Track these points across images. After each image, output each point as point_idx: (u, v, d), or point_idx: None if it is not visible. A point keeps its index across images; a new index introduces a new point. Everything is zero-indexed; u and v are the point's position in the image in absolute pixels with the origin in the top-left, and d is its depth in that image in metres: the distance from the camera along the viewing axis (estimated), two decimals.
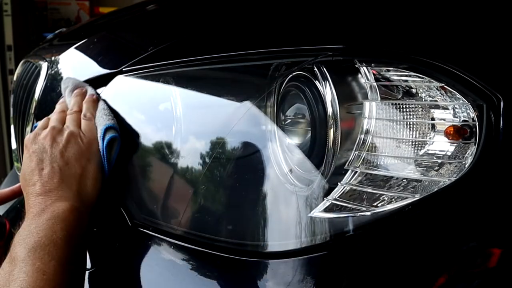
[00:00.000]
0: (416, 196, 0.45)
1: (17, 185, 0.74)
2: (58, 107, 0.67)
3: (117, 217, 0.60)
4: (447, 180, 0.44)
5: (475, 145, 0.44)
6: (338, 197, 0.47)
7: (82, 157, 0.57)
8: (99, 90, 0.67)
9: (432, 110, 0.46)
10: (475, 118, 0.44)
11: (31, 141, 0.59)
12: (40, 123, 0.64)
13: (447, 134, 0.45)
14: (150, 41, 0.70)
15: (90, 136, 0.59)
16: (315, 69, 0.48)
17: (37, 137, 0.59)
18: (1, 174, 2.33)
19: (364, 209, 0.46)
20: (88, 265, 0.57)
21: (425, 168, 0.46)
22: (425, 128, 0.46)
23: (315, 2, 0.62)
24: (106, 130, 0.59)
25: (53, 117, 0.64)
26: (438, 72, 0.45)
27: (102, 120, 0.61)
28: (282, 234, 0.50)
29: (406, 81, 0.47)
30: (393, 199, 0.46)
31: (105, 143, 0.58)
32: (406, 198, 0.45)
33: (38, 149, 0.57)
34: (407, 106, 0.46)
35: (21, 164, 0.84)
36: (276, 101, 0.51)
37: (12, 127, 0.98)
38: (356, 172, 0.47)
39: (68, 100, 0.67)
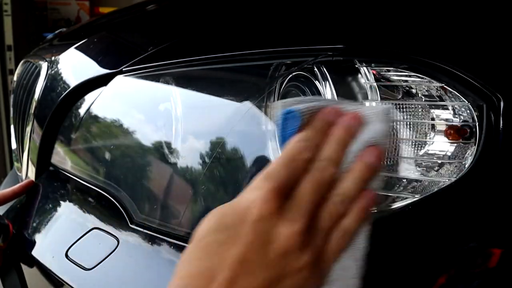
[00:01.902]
0: (416, 196, 0.45)
1: (18, 185, 0.74)
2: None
3: (117, 217, 0.60)
4: (447, 180, 0.44)
5: (475, 145, 0.44)
6: None
7: None
8: (98, 90, 0.67)
9: (432, 110, 0.46)
10: (475, 118, 0.44)
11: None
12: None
13: (447, 134, 0.45)
14: (150, 41, 0.70)
15: None
16: (315, 69, 0.48)
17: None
18: (1, 174, 2.33)
19: None
20: (88, 265, 0.57)
21: (425, 168, 0.46)
22: (425, 128, 0.46)
23: (315, 2, 0.62)
24: None
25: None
26: (438, 72, 0.45)
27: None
28: None
29: (406, 81, 0.47)
30: (393, 199, 0.46)
31: None
32: (406, 198, 0.45)
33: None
34: (407, 106, 0.46)
35: (21, 164, 0.84)
36: (276, 101, 0.51)
37: (12, 127, 0.98)
38: None
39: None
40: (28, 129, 0.81)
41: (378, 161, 0.37)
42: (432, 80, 0.45)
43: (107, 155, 0.64)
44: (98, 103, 0.67)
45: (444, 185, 0.44)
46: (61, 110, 0.73)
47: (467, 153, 0.44)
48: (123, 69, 0.63)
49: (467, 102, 0.44)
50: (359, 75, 0.48)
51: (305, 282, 0.34)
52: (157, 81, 0.60)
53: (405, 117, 0.46)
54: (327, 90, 0.47)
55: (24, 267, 0.67)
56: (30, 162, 0.79)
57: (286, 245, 0.34)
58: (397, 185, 0.47)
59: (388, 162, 0.46)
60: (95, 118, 0.67)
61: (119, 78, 0.64)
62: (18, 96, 0.91)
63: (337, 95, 0.47)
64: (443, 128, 0.46)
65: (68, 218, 0.66)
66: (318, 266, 0.35)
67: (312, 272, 0.35)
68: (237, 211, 0.35)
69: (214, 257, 0.34)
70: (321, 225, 0.36)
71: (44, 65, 0.83)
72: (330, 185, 0.36)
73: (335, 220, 0.36)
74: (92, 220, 0.62)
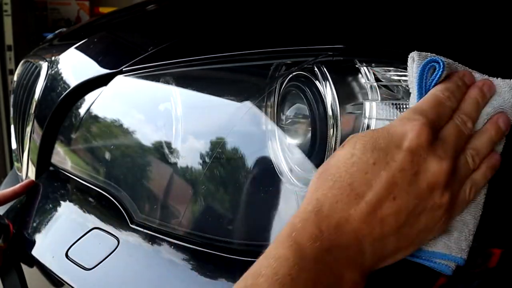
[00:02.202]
0: None
1: (18, 185, 0.74)
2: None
3: (117, 217, 0.60)
4: None
5: None
6: None
7: None
8: (99, 90, 0.67)
9: None
10: None
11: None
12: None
13: None
14: (150, 41, 0.70)
15: None
16: (316, 69, 0.48)
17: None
18: (1, 174, 2.33)
19: None
20: (88, 265, 0.57)
21: None
22: None
23: (315, 2, 0.62)
24: None
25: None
26: None
27: None
28: None
29: (406, 81, 0.47)
30: None
31: None
32: None
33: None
34: (407, 106, 0.46)
35: (21, 164, 0.84)
36: (276, 101, 0.51)
37: (12, 127, 0.98)
38: None
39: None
40: (28, 129, 0.81)
41: (507, 126, 0.40)
42: None
43: (107, 155, 0.64)
44: (98, 103, 0.67)
45: None
46: (61, 110, 0.73)
47: None
48: (123, 69, 0.63)
49: None
50: (360, 75, 0.48)
51: (438, 221, 0.37)
52: (157, 81, 0.60)
53: None
54: (328, 90, 0.47)
55: (24, 267, 0.67)
56: (30, 162, 0.79)
57: (435, 181, 0.35)
58: None
59: None
60: (95, 118, 0.67)
61: (119, 78, 0.64)
62: (18, 96, 0.91)
63: (338, 95, 0.47)
64: None
65: (68, 218, 0.66)
66: (450, 210, 0.37)
67: (446, 214, 0.37)
68: (392, 137, 0.36)
69: (363, 176, 0.35)
70: (459, 172, 0.38)
71: (44, 65, 0.83)
72: (467, 139, 0.39)
73: (469, 172, 0.39)
74: (92, 220, 0.62)
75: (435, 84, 0.40)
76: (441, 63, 0.39)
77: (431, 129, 0.36)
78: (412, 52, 0.42)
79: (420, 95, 0.40)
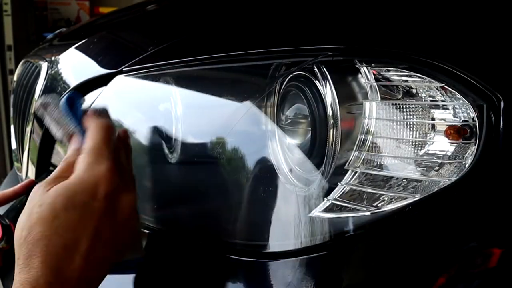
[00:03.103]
0: (416, 196, 0.45)
1: (19, 185, 0.74)
2: None
3: None
4: (447, 180, 0.44)
5: (475, 145, 0.44)
6: (338, 197, 0.47)
7: None
8: (99, 90, 0.67)
9: (432, 110, 0.46)
10: (475, 118, 0.44)
11: None
12: None
13: (447, 134, 0.45)
14: (150, 41, 0.70)
15: None
16: (315, 69, 0.48)
17: None
18: (1, 174, 2.33)
19: (364, 209, 0.46)
20: None
21: (425, 168, 0.46)
22: (425, 128, 0.46)
23: (315, 2, 0.62)
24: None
25: None
26: (438, 72, 0.45)
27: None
28: (282, 234, 0.50)
29: (406, 81, 0.47)
30: (393, 199, 0.46)
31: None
32: (406, 198, 0.45)
33: None
34: (407, 106, 0.46)
35: (21, 164, 0.84)
36: (276, 101, 0.51)
37: (12, 127, 0.98)
38: (356, 172, 0.47)
39: None
40: (28, 129, 0.81)
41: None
42: (432, 80, 0.45)
43: None
44: (98, 103, 0.67)
45: (444, 185, 0.44)
46: None
47: (467, 153, 0.44)
48: (123, 69, 0.63)
49: (467, 102, 0.44)
50: (359, 75, 0.48)
51: None
52: (157, 81, 0.60)
53: (405, 117, 0.46)
54: (327, 90, 0.47)
55: None
56: (30, 162, 0.79)
57: None
58: (397, 185, 0.47)
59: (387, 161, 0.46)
60: None
61: (119, 78, 0.64)
62: (18, 96, 0.91)
63: (337, 95, 0.47)
64: (443, 128, 0.46)
65: None
66: None
67: None
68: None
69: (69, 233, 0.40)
70: None
71: (44, 65, 0.83)
72: None
73: None
74: None
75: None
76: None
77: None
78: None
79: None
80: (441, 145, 0.46)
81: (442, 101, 0.46)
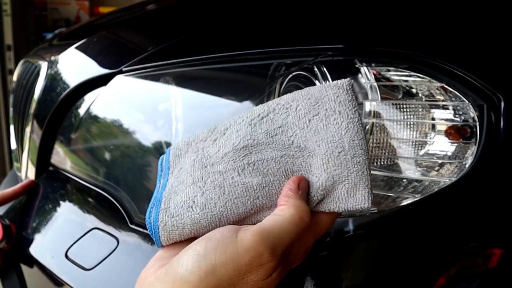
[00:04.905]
0: (416, 196, 0.45)
1: (18, 185, 0.74)
2: None
3: (117, 217, 0.60)
4: (447, 180, 0.44)
5: (475, 145, 0.44)
6: None
7: None
8: (98, 90, 0.67)
9: (432, 110, 0.46)
10: (476, 118, 0.44)
11: None
12: None
13: (447, 134, 0.45)
14: (150, 41, 0.70)
15: None
16: (315, 69, 0.48)
17: None
18: (1, 174, 2.33)
19: None
20: (88, 265, 0.57)
21: (425, 168, 0.46)
22: (426, 128, 0.46)
23: (315, 2, 0.62)
24: None
25: None
26: (439, 72, 0.45)
27: None
28: None
29: (407, 81, 0.47)
30: (393, 199, 0.46)
31: None
32: (407, 198, 0.45)
33: None
34: (407, 106, 0.46)
35: (21, 164, 0.84)
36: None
37: (12, 127, 0.98)
38: None
39: None
40: (28, 129, 0.81)
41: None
42: (432, 80, 0.45)
43: (107, 155, 0.64)
44: (98, 103, 0.67)
45: (445, 185, 0.44)
46: (61, 110, 0.73)
47: (468, 153, 0.44)
48: (123, 69, 0.63)
49: (467, 102, 0.44)
50: (360, 75, 0.48)
51: None
52: (157, 81, 0.60)
53: (405, 117, 0.46)
54: None
55: (24, 267, 0.67)
56: (30, 162, 0.79)
57: None
58: (398, 185, 0.47)
59: (388, 162, 0.46)
60: (95, 118, 0.67)
61: (119, 78, 0.64)
62: (18, 96, 0.91)
63: None
64: (444, 128, 0.45)
65: (68, 218, 0.66)
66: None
67: None
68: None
69: None
70: None
71: (44, 65, 0.82)
72: None
73: None
74: (92, 220, 0.62)
75: None
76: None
77: None
78: None
79: None
80: (442, 145, 0.46)
81: (443, 101, 0.46)
